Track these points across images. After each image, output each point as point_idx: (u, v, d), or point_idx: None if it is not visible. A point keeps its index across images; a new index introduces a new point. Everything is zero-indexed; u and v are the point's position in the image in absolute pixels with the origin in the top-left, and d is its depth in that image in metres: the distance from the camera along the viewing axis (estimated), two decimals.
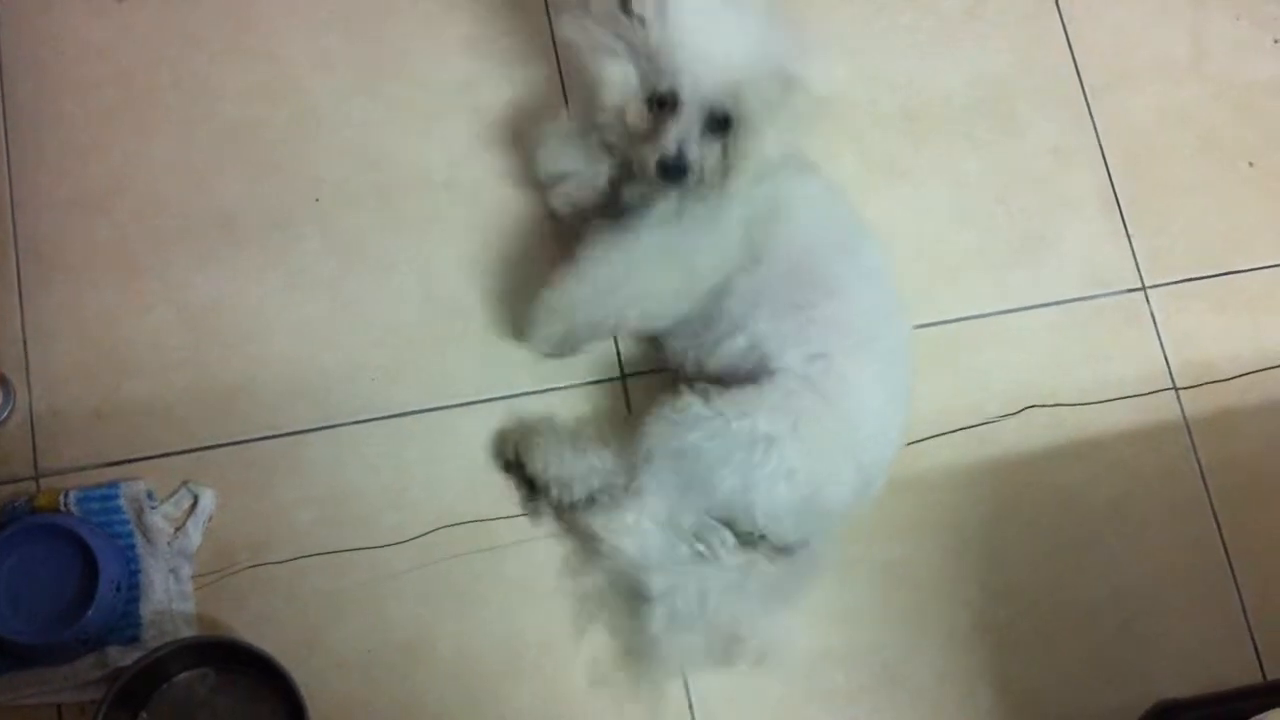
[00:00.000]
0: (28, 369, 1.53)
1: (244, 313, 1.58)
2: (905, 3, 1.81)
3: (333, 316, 1.60)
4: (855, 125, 1.75)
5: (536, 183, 1.62)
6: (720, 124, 1.38)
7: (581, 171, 1.53)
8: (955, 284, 1.70)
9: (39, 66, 1.64)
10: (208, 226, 1.61)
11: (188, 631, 1.45)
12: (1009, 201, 1.74)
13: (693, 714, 1.50)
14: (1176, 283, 1.73)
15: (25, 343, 1.54)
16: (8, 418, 1.50)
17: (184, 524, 1.48)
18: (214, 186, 1.62)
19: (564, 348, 1.56)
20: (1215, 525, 1.65)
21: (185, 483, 1.50)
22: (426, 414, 1.57)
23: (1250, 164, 1.79)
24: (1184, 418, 1.69)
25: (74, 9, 1.67)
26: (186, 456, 1.52)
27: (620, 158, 1.49)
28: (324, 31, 1.69)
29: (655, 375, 1.61)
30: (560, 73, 1.70)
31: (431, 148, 1.66)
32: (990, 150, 1.76)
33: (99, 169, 1.61)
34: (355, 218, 1.63)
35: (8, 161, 1.60)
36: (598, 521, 1.46)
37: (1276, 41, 1.85)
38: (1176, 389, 1.70)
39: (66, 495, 1.46)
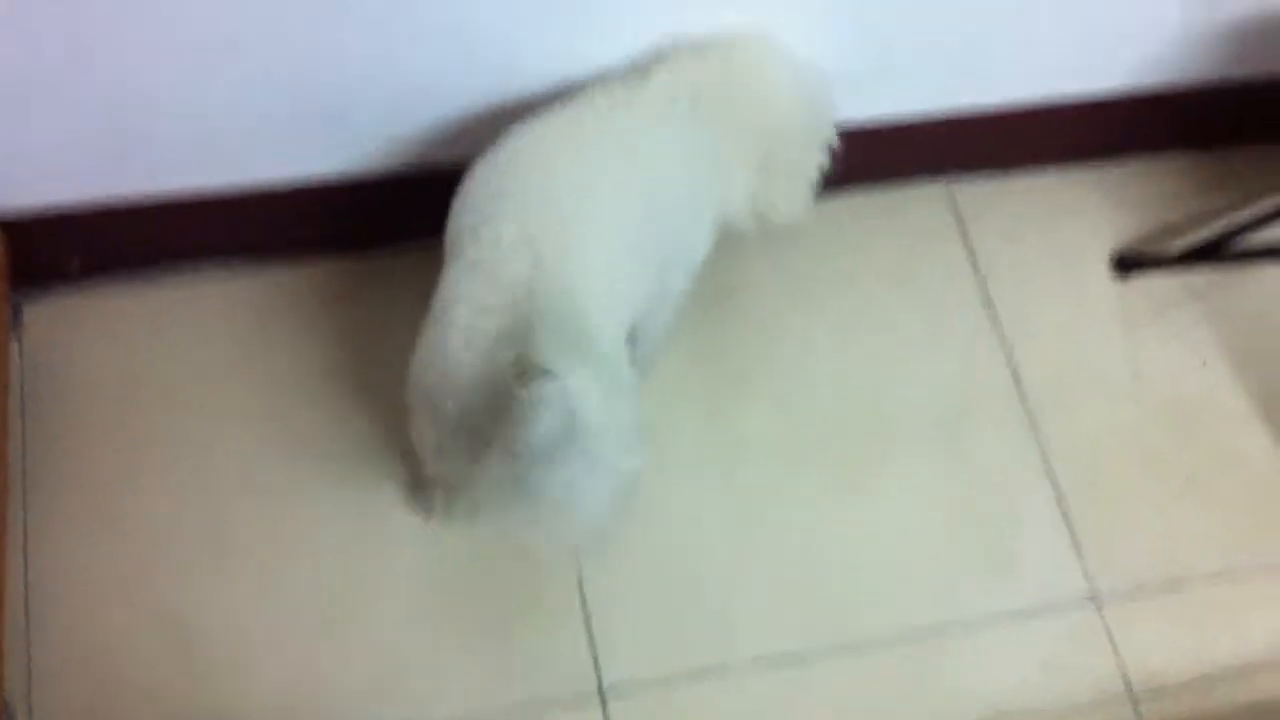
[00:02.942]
0: (30, 698, 1.59)
1: (235, 632, 1.66)
2: (863, 327, 1.96)
3: (321, 634, 1.67)
4: (817, 437, 1.88)
5: None
6: None
7: None
8: (914, 594, 1.78)
9: (55, 396, 1.77)
10: (202, 544, 1.70)
11: None
12: (963, 514, 1.84)
13: None
14: (1127, 593, 1.82)
15: (30, 673, 1.60)
16: None
17: None
18: (208, 504, 1.72)
19: None
20: None
21: None
22: None
23: (1186, 477, 1.91)
24: None
25: (89, 335, 1.81)
26: None
27: None
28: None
29: None
30: None
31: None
32: (944, 464, 1.88)
33: (103, 495, 1.71)
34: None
35: (23, 492, 1.71)
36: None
37: (1204, 364, 2.00)
38: (1133, 694, 1.76)
39: None
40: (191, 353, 1.82)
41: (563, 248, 1.41)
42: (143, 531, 1.70)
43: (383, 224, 1.89)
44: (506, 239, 1.40)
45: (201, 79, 1.56)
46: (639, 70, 1.59)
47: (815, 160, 1.66)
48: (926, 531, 1.83)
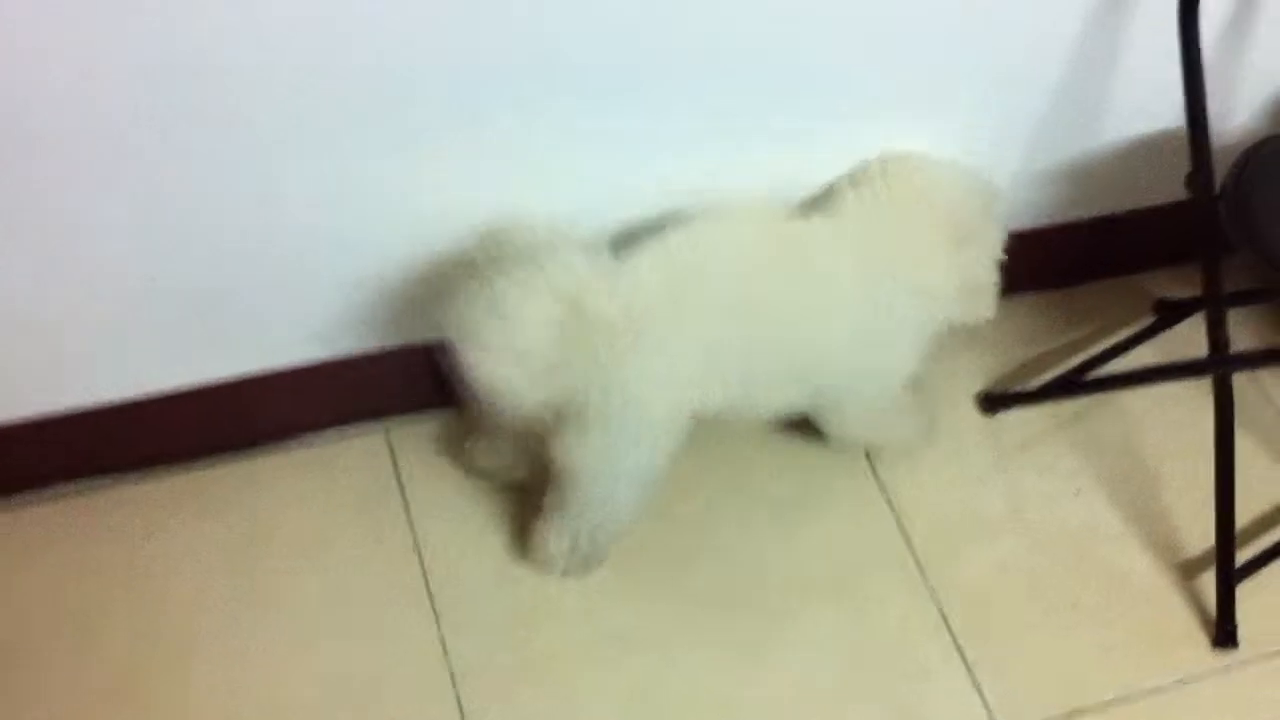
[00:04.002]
0: None
1: None
2: (745, 495, 2.00)
3: None
4: (710, 612, 1.88)
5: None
6: None
7: None
8: None
9: None
10: None
11: None
12: (863, 668, 1.86)
13: None
14: None
15: None
16: None
17: None
18: None
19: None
20: None
21: None
22: None
23: (1074, 605, 1.95)
24: None
25: None
26: None
27: None
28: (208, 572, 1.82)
29: None
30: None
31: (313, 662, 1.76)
32: (839, 621, 1.89)
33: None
34: None
35: None
36: None
37: (1077, 492, 2.06)
38: None
39: None
40: (75, 575, 1.81)
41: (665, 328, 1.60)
42: None
43: (266, 423, 1.91)
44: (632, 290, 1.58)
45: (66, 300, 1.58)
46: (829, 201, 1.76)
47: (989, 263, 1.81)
48: (828, 691, 1.84)
